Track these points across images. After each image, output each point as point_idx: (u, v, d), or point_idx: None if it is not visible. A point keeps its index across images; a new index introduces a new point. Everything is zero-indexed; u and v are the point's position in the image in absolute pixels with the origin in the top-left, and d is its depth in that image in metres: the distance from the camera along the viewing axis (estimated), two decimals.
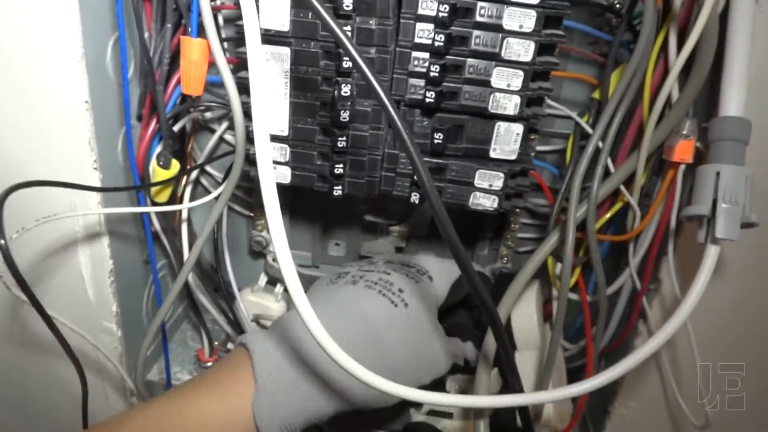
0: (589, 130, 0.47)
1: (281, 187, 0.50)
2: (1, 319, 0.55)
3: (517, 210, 0.57)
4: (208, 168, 0.59)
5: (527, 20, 0.41)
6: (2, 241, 0.33)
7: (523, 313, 0.51)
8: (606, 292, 0.48)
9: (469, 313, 0.56)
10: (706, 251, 0.38)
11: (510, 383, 0.41)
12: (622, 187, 0.46)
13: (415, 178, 0.45)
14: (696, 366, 0.47)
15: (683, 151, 0.43)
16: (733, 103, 0.39)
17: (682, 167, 0.44)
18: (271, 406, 0.39)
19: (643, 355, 0.37)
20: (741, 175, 0.38)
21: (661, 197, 0.45)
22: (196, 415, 0.39)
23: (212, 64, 0.43)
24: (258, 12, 0.42)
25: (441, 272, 0.51)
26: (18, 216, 0.48)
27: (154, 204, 0.51)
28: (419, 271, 0.50)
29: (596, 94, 0.48)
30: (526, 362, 0.51)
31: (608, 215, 0.48)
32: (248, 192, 0.61)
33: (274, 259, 0.61)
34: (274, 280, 0.63)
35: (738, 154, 0.39)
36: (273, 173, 0.32)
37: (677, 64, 0.41)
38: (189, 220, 0.55)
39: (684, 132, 0.43)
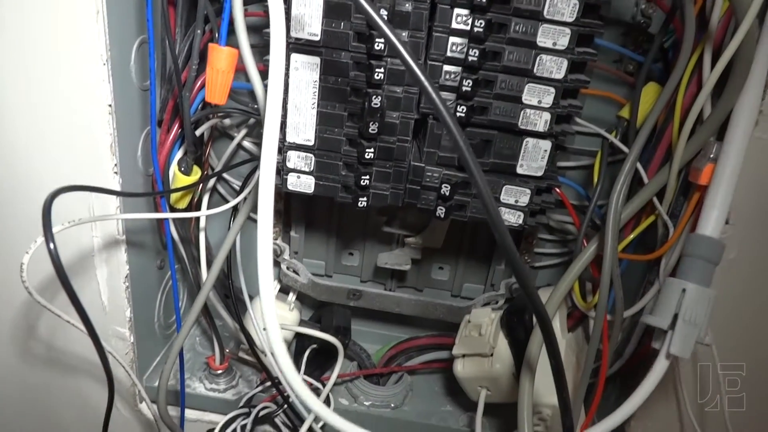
0: (624, 148, 0.46)
1: (300, 195, 0.49)
2: (19, 328, 0.54)
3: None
4: (225, 175, 0.59)
5: (561, 38, 0.41)
6: (51, 245, 0.31)
7: None
8: (623, 312, 0.48)
9: None
10: (657, 361, 0.42)
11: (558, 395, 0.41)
12: (656, 200, 0.46)
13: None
14: (719, 385, 0.47)
15: (710, 174, 0.43)
16: (711, 223, 0.41)
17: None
18: None
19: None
20: (705, 297, 0.41)
21: (687, 217, 0.45)
22: None
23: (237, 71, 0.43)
24: (289, 20, 0.42)
25: None
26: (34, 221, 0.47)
27: (173, 210, 0.50)
28: None
29: (624, 113, 0.48)
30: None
31: (639, 229, 0.48)
32: None
33: (288, 268, 0.61)
34: (287, 288, 0.62)
35: (706, 275, 0.41)
36: (272, 196, 0.32)
37: (709, 81, 0.41)
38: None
39: (711, 155, 0.43)
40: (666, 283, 0.43)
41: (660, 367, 0.42)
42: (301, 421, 0.55)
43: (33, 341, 0.55)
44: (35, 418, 0.60)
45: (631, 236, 0.48)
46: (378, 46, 0.41)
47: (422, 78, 0.30)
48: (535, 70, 0.42)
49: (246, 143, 0.57)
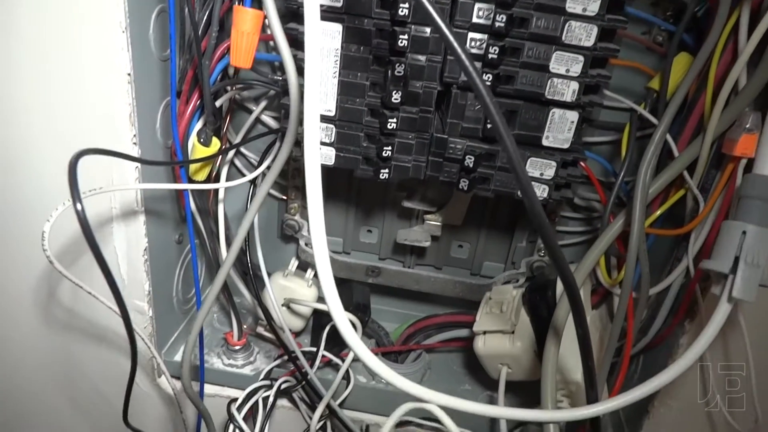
0: (654, 121, 0.45)
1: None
2: (40, 296, 0.54)
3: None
4: (242, 149, 0.58)
5: (592, 3, 0.40)
6: (79, 206, 0.30)
7: None
8: (648, 288, 0.47)
9: None
10: (719, 307, 0.39)
11: (583, 362, 0.41)
12: (686, 173, 0.45)
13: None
14: (749, 368, 0.46)
15: (746, 145, 0.42)
16: None
17: (743, 161, 0.43)
18: None
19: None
20: (766, 238, 0.39)
21: (720, 190, 0.43)
22: None
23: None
24: None
25: None
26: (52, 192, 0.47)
27: (192, 182, 0.50)
28: None
29: (654, 84, 0.47)
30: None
31: (668, 203, 0.47)
32: (282, 174, 0.59)
33: (307, 244, 0.60)
34: (306, 265, 0.62)
35: (766, 215, 0.39)
36: (318, 165, 0.31)
37: (747, 49, 0.39)
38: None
39: (747, 126, 0.42)
40: (724, 226, 0.41)
41: (722, 312, 0.40)
42: (319, 396, 0.55)
43: (54, 307, 0.55)
44: (60, 383, 0.61)
45: (659, 211, 0.47)
46: (402, 11, 0.40)
47: (443, 27, 0.29)
48: (563, 38, 0.41)
49: (264, 117, 0.57)
